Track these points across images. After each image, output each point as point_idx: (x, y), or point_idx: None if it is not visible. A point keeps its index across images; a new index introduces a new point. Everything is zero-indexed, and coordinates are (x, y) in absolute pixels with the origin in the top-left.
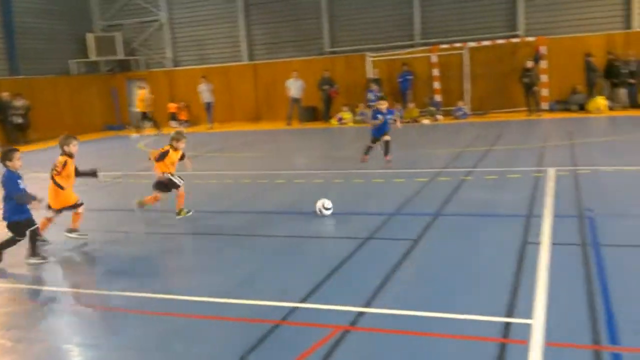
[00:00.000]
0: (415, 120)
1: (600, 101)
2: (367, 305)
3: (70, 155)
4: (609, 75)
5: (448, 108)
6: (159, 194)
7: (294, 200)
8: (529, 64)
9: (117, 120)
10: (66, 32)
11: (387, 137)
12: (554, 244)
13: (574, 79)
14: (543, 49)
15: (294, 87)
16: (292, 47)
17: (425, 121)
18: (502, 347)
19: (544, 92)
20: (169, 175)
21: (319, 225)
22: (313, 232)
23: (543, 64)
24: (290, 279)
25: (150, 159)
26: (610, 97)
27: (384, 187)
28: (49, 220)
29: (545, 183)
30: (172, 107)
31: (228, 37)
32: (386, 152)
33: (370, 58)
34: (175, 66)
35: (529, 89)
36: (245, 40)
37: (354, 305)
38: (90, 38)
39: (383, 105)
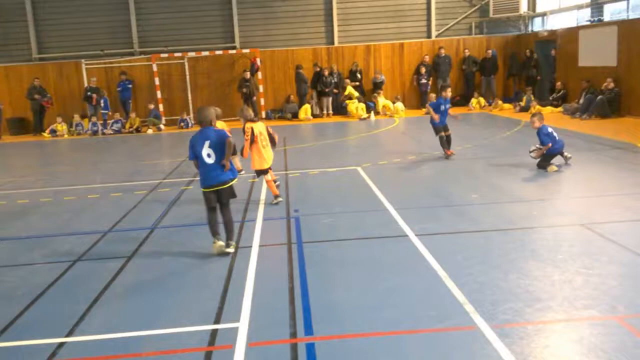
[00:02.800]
0: (138, 130)
1: (309, 109)
2: (69, 334)
3: None
4: (315, 86)
5: (173, 117)
6: None
7: None
8: (247, 74)
9: None
10: None
11: (449, 131)
12: (263, 245)
13: (288, 88)
14: (258, 61)
15: None
16: None
17: (149, 131)
18: (209, 355)
19: (261, 101)
20: None
21: (17, 253)
22: (9, 260)
23: (259, 75)
24: None
25: None
26: (317, 105)
27: (100, 202)
28: None
29: (259, 187)
30: None
31: None
32: (449, 145)
33: (85, 66)
34: None
35: (248, 98)
36: None
37: (54, 337)
38: None
39: (449, 93)
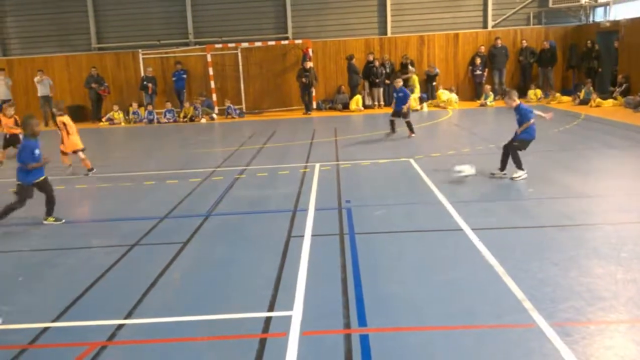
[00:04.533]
0: (192, 119)
1: (359, 100)
2: (128, 316)
3: None
4: (367, 76)
5: (224, 107)
6: None
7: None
8: (308, 64)
9: None
10: None
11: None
12: (316, 235)
13: (339, 79)
14: (310, 51)
15: (42, 85)
16: (54, 43)
17: (203, 120)
18: (263, 342)
19: (314, 91)
20: None
21: (77, 237)
22: (69, 244)
23: (310, 65)
24: (40, 298)
25: None
26: (369, 96)
27: (156, 189)
28: None
29: (310, 177)
30: None
31: None
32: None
33: (142, 56)
34: None
35: (307, 88)
36: None
37: (114, 319)
38: None
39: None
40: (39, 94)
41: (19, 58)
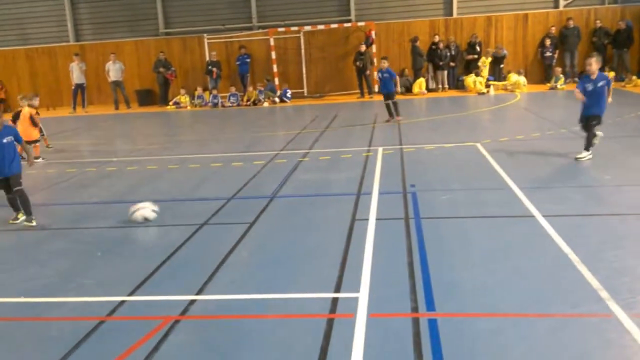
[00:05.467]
0: (255, 103)
1: (423, 83)
2: (200, 292)
3: None
4: (432, 59)
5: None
6: None
7: (124, 189)
8: (362, 47)
9: None
10: None
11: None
12: (380, 219)
13: (402, 62)
14: (373, 34)
15: (113, 70)
16: (124, 28)
17: (265, 104)
18: (330, 322)
19: (375, 75)
20: None
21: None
22: (143, 221)
23: (374, 48)
24: (117, 272)
25: None
26: (433, 79)
27: (222, 171)
28: None
29: (373, 161)
30: None
31: (52, 16)
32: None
33: (208, 40)
34: None
35: (362, 72)
36: (71, 19)
37: (186, 294)
38: None
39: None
40: (111, 79)
41: (91, 43)
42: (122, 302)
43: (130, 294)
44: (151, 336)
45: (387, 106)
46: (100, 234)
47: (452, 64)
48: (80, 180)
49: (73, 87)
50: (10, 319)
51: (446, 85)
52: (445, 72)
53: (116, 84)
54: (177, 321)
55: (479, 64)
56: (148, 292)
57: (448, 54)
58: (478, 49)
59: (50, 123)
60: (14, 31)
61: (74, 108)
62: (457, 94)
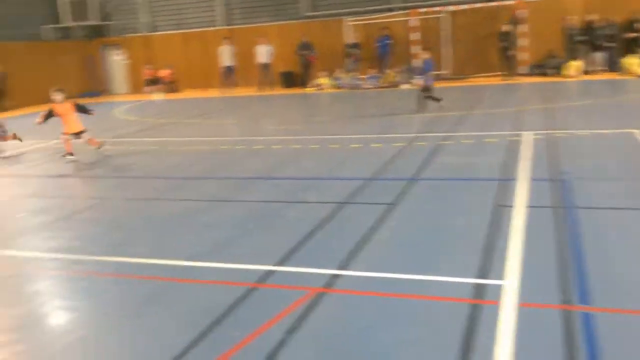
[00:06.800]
0: (394, 86)
1: (576, 65)
2: (342, 268)
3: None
4: (586, 39)
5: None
6: None
7: (271, 166)
8: (505, 27)
9: (95, 86)
10: None
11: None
12: (529, 206)
13: (551, 42)
14: (521, 13)
15: (263, 53)
16: (269, 12)
17: (405, 86)
18: (474, 307)
19: (525, 55)
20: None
21: (295, 191)
22: (289, 197)
23: (522, 28)
24: (265, 243)
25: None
26: (588, 61)
27: (361, 152)
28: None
29: (521, 147)
30: (147, 73)
31: (204, 2)
32: None
33: (348, 23)
34: (152, 32)
35: (505, 52)
36: (222, 4)
37: (329, 268)
38: (63, 2)
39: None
40: (259, 61)
41: (240, 27)
42: (271, 271)
43: (278, 264)
44: (298, 304)
45: (423, 98)
46: (251, 208)
47: (609, 44)
48: (232, 157)
49: (222, 69)
50: (172, 280)
51: (603, 67)
52: (601, 53)
53: (264, 66)
54: (322, 293)
55: None
56: (295, 264)
57: (604, 33)
58: (638, 26)
59: (201, 103)
60: (172, 16)
61: (223, 89)
62: (615, 77)
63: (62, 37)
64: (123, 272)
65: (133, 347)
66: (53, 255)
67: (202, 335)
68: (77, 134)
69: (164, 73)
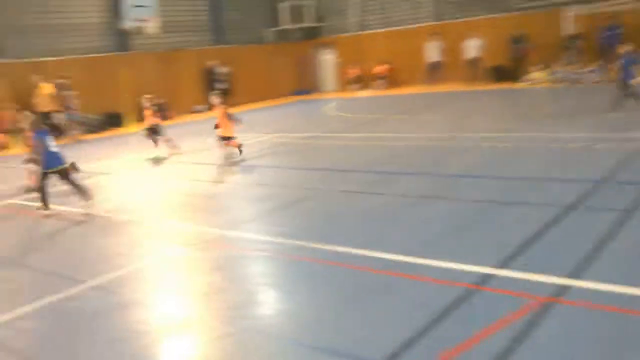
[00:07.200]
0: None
1: None
2: (573, 277)
3: None
4: None
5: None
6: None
7: (481, 164)
8: None
9: (305, 85)
10: (262, 2)
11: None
12: None
13: None
14: None
15: (472, 47)
16: (481, 5)
17: (636, 80)
18: None
19: None
20: None
21: (513, 192)
22: (505, 197)
23: None
24: (481, 244)
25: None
26: None
27: (583, 153)
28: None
29: None
30: (351, 72)
31: None
32: None
33: (570, 13)
34: (361, 31)
35: None
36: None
37: (558, 276)
38: (283, 7)
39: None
40: (467, 56)
41: (449, 23)
42: (490, 275)
43: (499, 267)
44: (524, 312)
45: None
46: (461, 205)
47: None
48: (441, 153)
49: (428, 65)
50: (389, 274)
51: None
52: None
53: (473, 60)
54: (549, 303)
55: None
56: (517, 268)
57: None
58: None
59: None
60: (379, 16)
61: (429, 84)
62: None
63: (281, 39)
64: (337, 260)
65: (357, 332)
66: (275, 239)
67: (425, 330)
68: (226, 138)
69: (380, 69)
